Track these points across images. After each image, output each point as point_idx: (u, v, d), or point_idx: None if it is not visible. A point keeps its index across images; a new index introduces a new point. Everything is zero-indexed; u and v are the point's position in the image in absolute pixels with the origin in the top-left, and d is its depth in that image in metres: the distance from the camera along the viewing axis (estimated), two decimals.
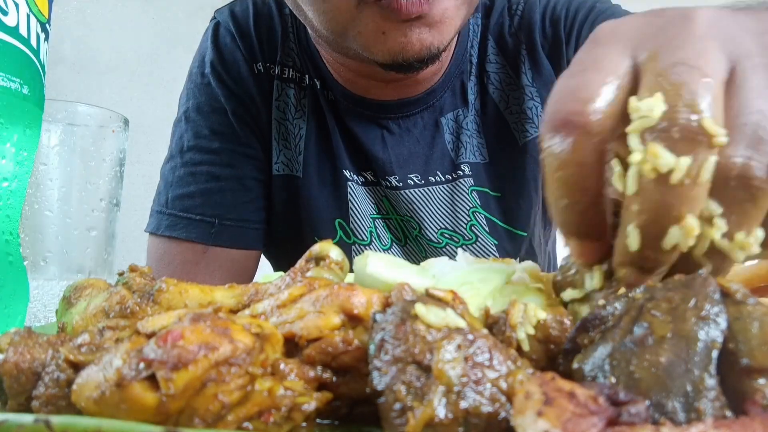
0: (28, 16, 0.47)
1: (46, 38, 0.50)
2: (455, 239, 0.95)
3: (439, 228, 0.95)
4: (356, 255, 0.85)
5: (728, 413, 0.23)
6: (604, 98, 0.30)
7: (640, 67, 0.31)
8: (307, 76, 0.96)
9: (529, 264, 0.43)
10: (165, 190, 0.95)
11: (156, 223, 0.94)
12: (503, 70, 0.97)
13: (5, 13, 0.45)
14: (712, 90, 0.28)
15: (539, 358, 0.30)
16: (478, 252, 0.96)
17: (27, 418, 0.23)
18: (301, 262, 0.36)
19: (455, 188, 0.95)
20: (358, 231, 0.95)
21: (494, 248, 0.96)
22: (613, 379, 0.24)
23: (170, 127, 1.00)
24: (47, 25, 0.49)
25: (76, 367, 0.28)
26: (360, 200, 0.96)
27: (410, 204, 0.94)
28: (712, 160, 0.27)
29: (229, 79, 0.95)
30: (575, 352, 0.27)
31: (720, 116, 0.28)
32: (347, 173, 0.95)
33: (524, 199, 0.97)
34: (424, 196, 0.94)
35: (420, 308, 0.26)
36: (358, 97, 0.94)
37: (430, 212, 0.94)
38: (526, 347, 0.29)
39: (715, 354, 0.24)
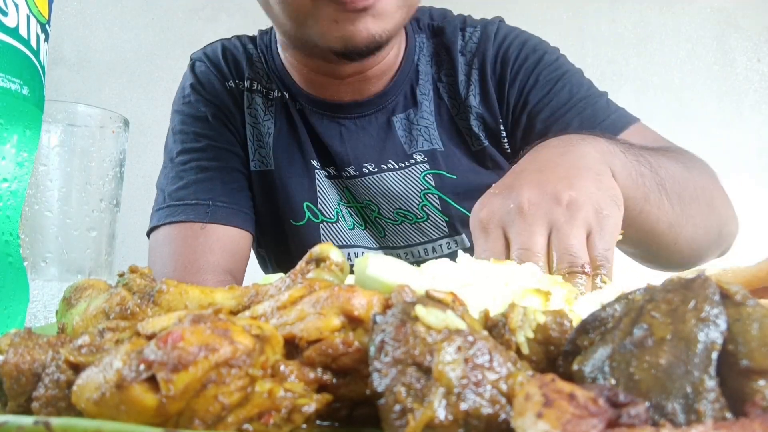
0: (28, 17, 0.47)
1: (46, 39, 0.50)
2: (409, 218, 1.09)
3: (394, 208, 1.08)
4: (324, 233, 1.09)
5: (728, 415, 0.23)
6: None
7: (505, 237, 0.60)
8: (273, 91, 1.11)
9: (529, 265, 0.43)
10: (161, 193, 1.06)
11: (156, 219, 1.03)
12: (452, 82, 1.10)
13: (5, 14, 0.45)
14: (539, 257, 0.56)
15: (539, 360, 0.30)
16: (430, 228, 1.09)
17: (27, 420, 0.23)
18: (301, 264, 0.36)
19: (407, 174, 1.08)
20: (325, 211, 1.09)
21: (445, 225, 1.08)
22: (613, 381, 0.24)
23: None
24: (47, 26, 0.49)
25: (76, 368, 0.28)
26: (326, 188, 1.10)
27: (367, 189, 1.08)
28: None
29: (206, 93, 1.10)
30: (575, 353, 0.27)
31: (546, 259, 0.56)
32: (315, 163, 1.09)
33: (478, 187, 1.04)
34: (379, 182, 1.08)
35: (420, 310, 0.26)
36: (319, 99, 1.08)
37: (384, 195, 1.08)
38: (525, 350, 0.29)
39: (714, 355, 0.24)
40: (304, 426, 0.27)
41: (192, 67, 1.16)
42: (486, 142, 1.07)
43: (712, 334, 0.24)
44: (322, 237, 1.08)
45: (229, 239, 1.03)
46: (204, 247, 0.99)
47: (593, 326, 0.27)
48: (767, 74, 2.60)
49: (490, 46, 1.08)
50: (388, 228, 1.10)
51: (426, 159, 1.07)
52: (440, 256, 1.08)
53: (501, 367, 0.24)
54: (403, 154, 1.08)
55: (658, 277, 0.31)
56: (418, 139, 1.08)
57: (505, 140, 1.08)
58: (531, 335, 0.29)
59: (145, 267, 0.39)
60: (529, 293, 0.39)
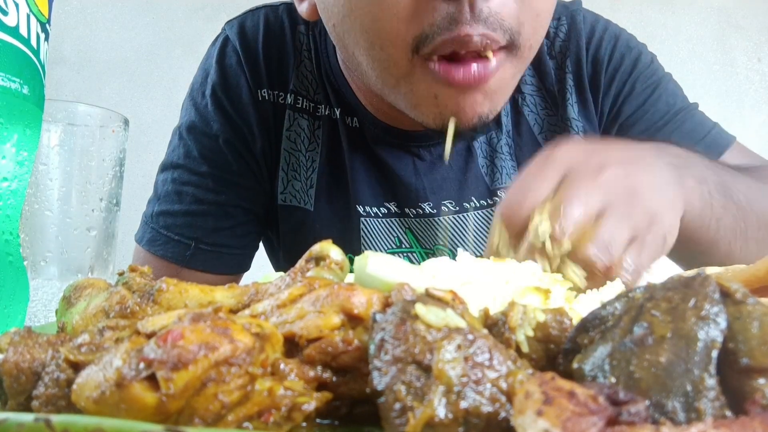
0: (28, 16, 0.47)
1: (46, 38, 0.50)
2: None
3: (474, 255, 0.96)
4: None
5: (728, 413, 0.23)
6: (535, 203, 0.53)
7: (562, 183, 0.53)
8: (322, 105, 0.92)
9: (529, 264, 0.43)
10: (154, 201, 0.97)
11: (141, 233, 0.96)
12: (539, 93, 0.94)
13: (5, 13, 0.45)
14: (577, 219, 0.51)
15: (539, 358, 0.30)
16: None
17: (27, 417, 0.23)
18: (301, 262, 0.36)
19: (492, 214, 0.93)
20: None
21: None
22: (613, 379, 0.24)
23: (170, 126, 1.01)
24: (47, 25, 0.49)
25: (76, 366, 0.28)
26: (375, 235, 0.93)
27: (444, 231, 0.93)
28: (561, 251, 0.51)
29: (228, 104, 0.92)
30: (575, 351, 0.27)
31: (575, 233, 0.51)
32: (360, 209, 0.92)
33: None
34: (460, 223, 0.93)
35: (420, 308, 0.26)
36: (387, 126, 0.90)
37: (464, 239, 0.93)
38: (525, 349, 0.29)
39: (714, 354, 0.23)
40: (304, 424, 0.27)
41: (221, 52, 0.93)
42: None
43: (712, 332, 0.24)
44: None
45: (205, 282, 0.93)
46: None
47: (593, 324, 0.27)
48: None
49: (582, 43, 0.91)
50: None
51: None
52: None
53: (501, 365, 0.24)
54: (486, 190, 0.92)
55: (658, 275, 0.31)
56: (502, 171, 0.92)
57: None
58: (531, 333, 0.29)
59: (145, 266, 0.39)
60: (529, 291, 0.39)
